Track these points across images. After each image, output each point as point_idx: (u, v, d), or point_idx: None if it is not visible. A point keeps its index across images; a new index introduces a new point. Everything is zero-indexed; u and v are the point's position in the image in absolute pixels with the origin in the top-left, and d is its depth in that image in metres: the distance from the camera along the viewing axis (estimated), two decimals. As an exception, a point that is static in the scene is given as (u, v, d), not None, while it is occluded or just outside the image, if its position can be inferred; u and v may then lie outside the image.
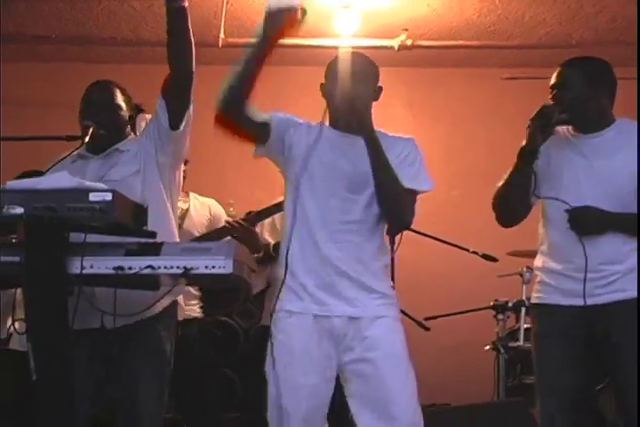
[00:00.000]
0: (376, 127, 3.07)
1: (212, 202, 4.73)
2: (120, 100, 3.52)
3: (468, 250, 5.00)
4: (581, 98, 3.31)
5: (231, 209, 4.90)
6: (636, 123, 3.39)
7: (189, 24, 3.33)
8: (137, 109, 3.61)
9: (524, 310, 4.82)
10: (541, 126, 3.21)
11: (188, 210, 4.53)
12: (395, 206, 3.05)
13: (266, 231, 4.55)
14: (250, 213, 4.85)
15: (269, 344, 3.00)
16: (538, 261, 3.44)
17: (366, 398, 2.98)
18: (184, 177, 4.53)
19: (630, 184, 3.30)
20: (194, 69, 3.36)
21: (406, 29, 5.63)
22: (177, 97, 3.39)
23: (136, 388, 3.28)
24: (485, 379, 4.93)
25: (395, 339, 3.04)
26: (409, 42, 5.68)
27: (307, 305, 3.02)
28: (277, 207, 4.46)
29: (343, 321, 3.01)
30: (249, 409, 4.71)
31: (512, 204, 3.39)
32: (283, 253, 3.03)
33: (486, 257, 4.95)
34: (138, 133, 3.59)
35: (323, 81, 3.22)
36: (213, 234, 4.43)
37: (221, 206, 4.74)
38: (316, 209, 3.05)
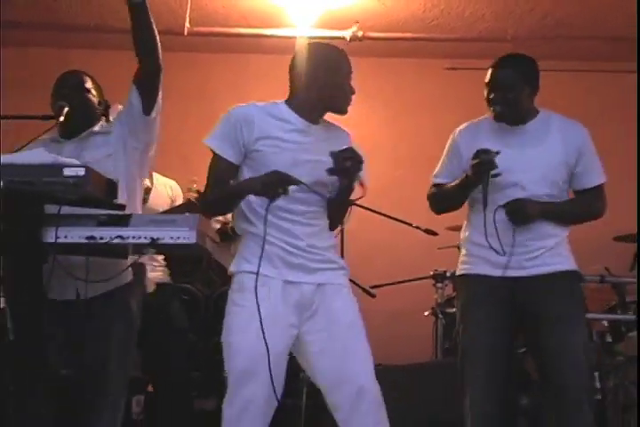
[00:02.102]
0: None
1: (172, 182, 4.72)
2: (90, 84, 3.46)
3: (411, 224, 5.05)
4: (519, 96, 3.31)
5: (194, 185, 4.90)
6: (556, 114, 3.41)
7: (151, 18, 3.21)
8: (105, 103, 3.51)
9: (457, 280, 4.87)
10: (487, 171, 3.17)
11: (151, 188, 4.52)
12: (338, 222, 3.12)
13: None
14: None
15: None
16: (464, 234, 3.47)
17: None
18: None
19: (559, 170, 3.33)
20: (161, 60, 3.27)
21: (357, 22, 5.63)
22: (148, 86, 3.32)
23: (105, 348, 3.23)
24: (425, 341, 5.00)
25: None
26: (360, 33, 5.68)
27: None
28: None
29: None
30: (208, 370, 4.74)
31: (452, 207, 3.46)
32: None
33: (427, 231, 5.00)
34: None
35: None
36: (177, 209, 4.42)
37: (183, 184, 4.74)
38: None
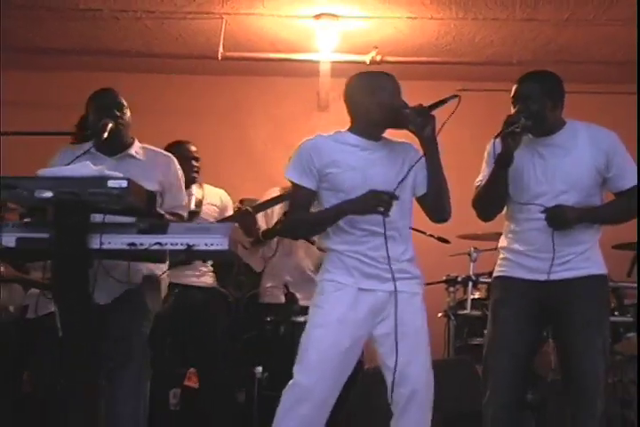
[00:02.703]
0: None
1: (222, 192, 4.73)
2: (124, 103, 3.48)
3: (425, 233, 5.02)
4: (542, 108, 3.24)
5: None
6: (583, 123, 3.34)
7: None
8: None
9: (470, 283, 4.86)
10: (511, 133, 3.12)
11: (202, 199, 4.53)
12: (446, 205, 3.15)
13: (260, 217, 4.56)
14: (242, 200, 4.87)
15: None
16: (503, 242, 3.40)
17: None
18: (197, 172, 4.57)
19: (589, 177, 3.25)
20: None
21: (376, 47, 5.61)
22: None
23: (128, 337, 3.34)
24: (438, 340, 4.97)
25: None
26: (378, 58, 5.67)
27: None
28: (276, 200, 4.51)
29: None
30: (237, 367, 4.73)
31: (493, 202, 3.32)
32: None
33: (440, 239, 4.97)
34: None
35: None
36: (228, 219, 4.46)
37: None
38: None
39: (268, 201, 4.49)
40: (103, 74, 5.97)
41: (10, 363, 4.25)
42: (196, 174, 4.60)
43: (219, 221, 4.39)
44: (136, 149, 3.49)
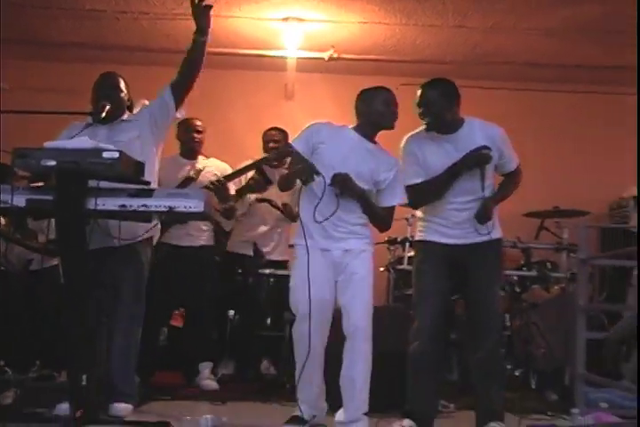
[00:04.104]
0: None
1: (224, 166, 4.53)
2: (122, 85, 3.48)
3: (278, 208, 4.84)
4: (441, 110, 3.26)
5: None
6: (477, 120, 3.34)
7: (205, 51, 3.36)
8: (131, 99, 3.55)
9: (407, 243, 4.87)
10: (485, 162, 3.20)
11: (202, 169, 4.43)
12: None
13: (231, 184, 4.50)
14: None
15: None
16: (423, 214, 3.43)
17: None
18: (197, 142, 4.47)
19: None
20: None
21: (333, 46, 5.59)
22: (182, 91, 3.42)
23: (120, 276, 3.35)
24: (380, 291, 4.99)
25: None
26: (335, 55, 5.64)
27: None
28: (245, 169, 4.45)
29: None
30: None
31: (432, 201, 3.34)
32: None
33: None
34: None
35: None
36: (247, 168, 4.41)
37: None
38: None
39: (238, 170, 4.43)
40: (105, 65, 5.74)
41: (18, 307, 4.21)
42: (196, 144, 4.47)
43: (238, 171, 4.38)
44: (126, 115, 3.49)
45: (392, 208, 3.31)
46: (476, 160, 3.21)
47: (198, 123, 4.50)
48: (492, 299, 3.28)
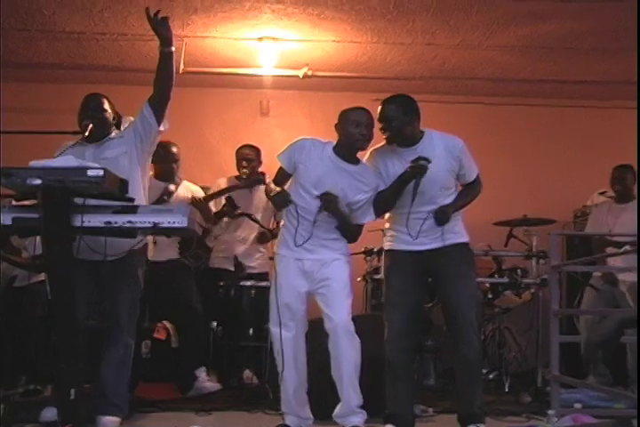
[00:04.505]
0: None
1: (197, 189, 4.57)
2: (106, 105, 3.47)
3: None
4: (401, 124, 3.29)
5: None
6: (437, 132, 3.38)
7: (174, 62, 3.29)
8: (118, 114, 3.54)
9: (384, 253, 4.87)
10: (422, 172, 3.22)
11: (175, 191, 4.43)
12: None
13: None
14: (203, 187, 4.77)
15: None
16: (388, 225, 3.50)
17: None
18: (177, 167, 4.46)
19: (446, 177, 3.35)
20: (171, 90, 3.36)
21: (307, 64, 5.60)
22: (160, 106, 3.37)
23: (117, 301, 3.30)
24: (358, 299, 4.99)
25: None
26: (310, 73, 5.66)
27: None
28: (222, 192, 4.49)
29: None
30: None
31: (388, 210, 3.42)
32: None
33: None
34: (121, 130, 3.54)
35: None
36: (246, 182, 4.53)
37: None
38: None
39: (215, 193, 4.52)
40: (85, 85, 5.77)
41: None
42: (171, 170, 4.45)
43: (231, 187, 4.49)
44: (114, 133, 3.48)
45: (362, 225, 3.39)
46: (413, 171, 3.24)
47: (174, 150, 4.46)
48: (465, 292, 3.28)
